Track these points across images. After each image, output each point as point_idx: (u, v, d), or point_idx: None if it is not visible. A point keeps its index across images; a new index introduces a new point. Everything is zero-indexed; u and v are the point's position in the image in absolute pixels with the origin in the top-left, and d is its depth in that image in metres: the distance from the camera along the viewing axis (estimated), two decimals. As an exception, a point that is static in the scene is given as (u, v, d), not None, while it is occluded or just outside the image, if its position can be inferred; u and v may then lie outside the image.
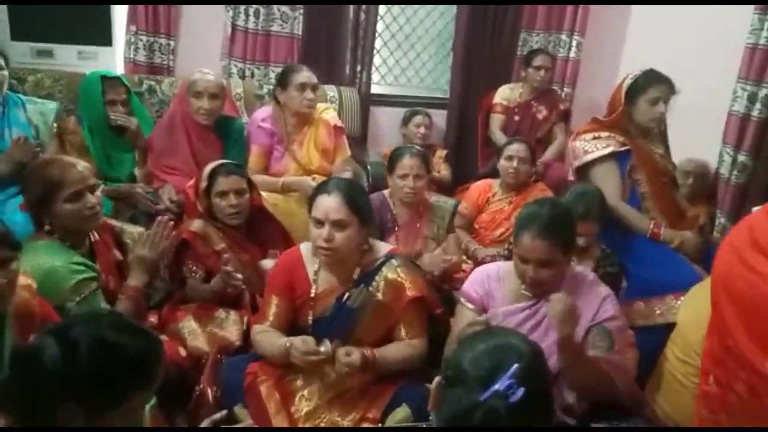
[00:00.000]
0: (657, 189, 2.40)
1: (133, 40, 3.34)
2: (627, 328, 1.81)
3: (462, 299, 1.87)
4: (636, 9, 3.97)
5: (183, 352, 1.93)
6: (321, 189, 1.80)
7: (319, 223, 1.74)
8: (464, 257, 2.67)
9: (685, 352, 1.72)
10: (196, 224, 2.19)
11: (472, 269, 2.09)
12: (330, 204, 1.73)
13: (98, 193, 1.86)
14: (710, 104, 3.07)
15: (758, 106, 2.94)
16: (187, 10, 3.47)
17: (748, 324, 1.48)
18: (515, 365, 0.96)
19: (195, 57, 3.47)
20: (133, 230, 2.13)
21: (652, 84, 2.36)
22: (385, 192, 2.59)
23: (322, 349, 1.69)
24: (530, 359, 1.00)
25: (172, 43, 3.43)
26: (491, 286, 1.83)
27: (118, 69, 3.37)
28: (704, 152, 3.08)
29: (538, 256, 1.66)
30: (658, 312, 2.15)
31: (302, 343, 1.69)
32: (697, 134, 2.82)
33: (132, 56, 3.36)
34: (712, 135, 3.14)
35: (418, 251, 2.46)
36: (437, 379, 1.06)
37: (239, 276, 2.05)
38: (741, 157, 3.03)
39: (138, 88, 3.16)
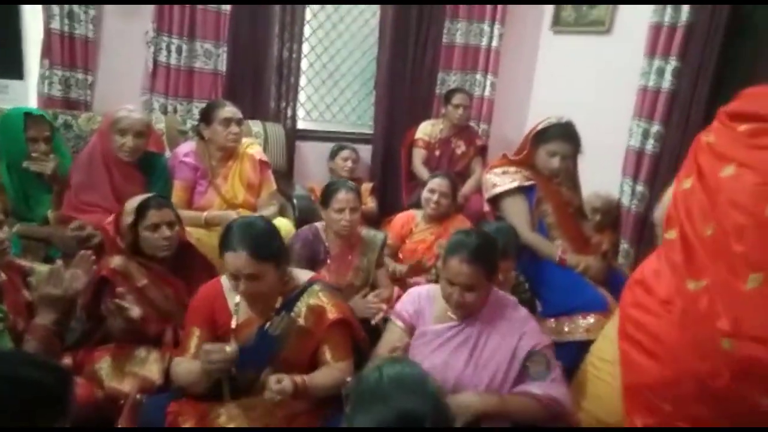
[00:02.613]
0: (562, 219, 2.57)
1: (47, 74, 3.25)
2: (552, 345, 1.90)
3: (393, 317, 1.94)
4: (542, 51, 4.29)
5: (99, 394, 1.86)
6: (227, 244, 1.74)
7: (234, 277, 1.75)
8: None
9: (612, 355, 1.79)
10: (117, 261, 2.13)
11: (399, 296, 2.16)
12: (237, 261, 1.71)
13: (11, 229, 1.80)
14: (610, 140, 3.34)
15: (651, 141, 3.23)
16: (106, 45, 3.43)
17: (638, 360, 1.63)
18: None
19: (114, 92, 3.43)
20: (43, 269, 2.04)
21: (556, 139, 2.52)
22: (318, 225, 2.62)
23: (227, 348, 1.68)
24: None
25: (89, 78, 3.36)
26: (422, 305, 1.93)
27: (32, 103, 3.26)
28: (606, 184, 3.33)
29: (464, 280, 1.76)
30: (567, 330, 2.30)
31: (212, 346, 1.68)
32: (600, 168, 3.05)
33: (47, 91, 3.26)
34: (613, 168, 3.42)
35: (349, 282, 2.51)
36: None
37: (136, 310, 1.97)
38: (639, 188, 3.31)
39: (53, 122, 3.05)
